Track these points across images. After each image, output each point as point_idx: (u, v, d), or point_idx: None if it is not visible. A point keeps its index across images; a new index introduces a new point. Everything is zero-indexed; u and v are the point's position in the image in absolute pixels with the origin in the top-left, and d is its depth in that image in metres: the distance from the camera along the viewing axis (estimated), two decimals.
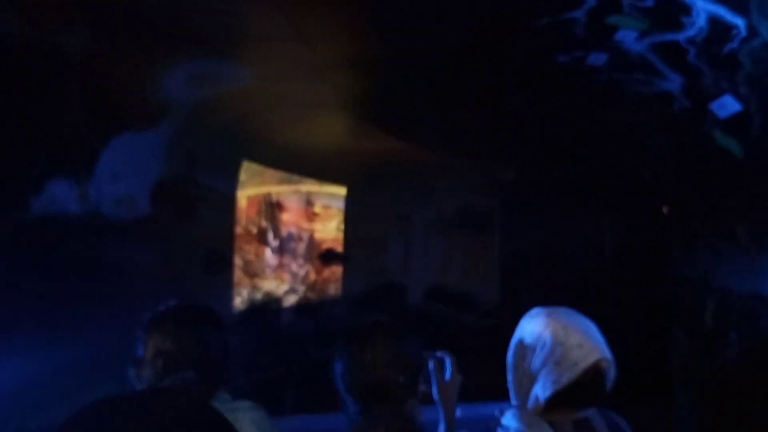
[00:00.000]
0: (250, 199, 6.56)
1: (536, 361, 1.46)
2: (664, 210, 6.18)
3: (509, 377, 1.55)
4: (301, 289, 7.62)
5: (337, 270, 8.33)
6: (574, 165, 7.66)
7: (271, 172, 6.92)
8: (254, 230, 6.69)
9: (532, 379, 1.47)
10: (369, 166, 8.04)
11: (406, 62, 4.82)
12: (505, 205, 8.73)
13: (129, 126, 4.75)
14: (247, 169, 6.46)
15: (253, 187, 6.59)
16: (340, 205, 8.36)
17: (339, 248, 8.34)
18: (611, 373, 1.49)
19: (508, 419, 1.50)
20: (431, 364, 1.74)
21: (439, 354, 1.78)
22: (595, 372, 1.46)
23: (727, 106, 3.78)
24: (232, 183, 6.23)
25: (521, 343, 1.53)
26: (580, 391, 1.45)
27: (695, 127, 4.48)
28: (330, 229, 8.23)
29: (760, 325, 4.17)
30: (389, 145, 7.24)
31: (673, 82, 4.09)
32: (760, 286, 4.29)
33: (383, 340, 1.60)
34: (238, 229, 6.38)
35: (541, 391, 1.45)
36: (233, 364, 1.78)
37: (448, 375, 1.75)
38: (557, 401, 1.46)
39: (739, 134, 4.00)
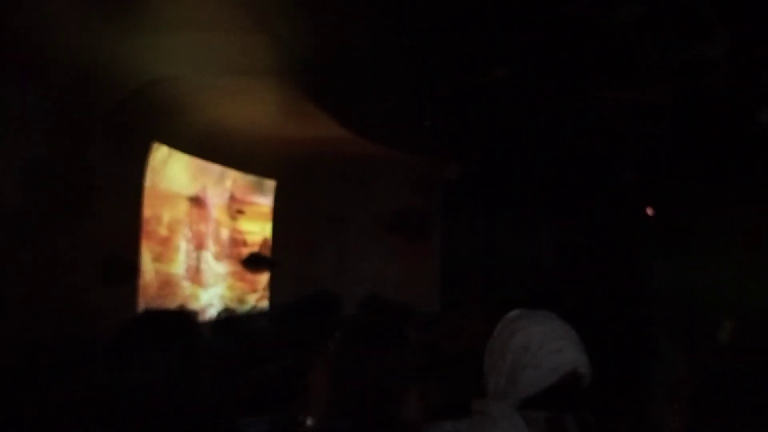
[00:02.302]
0: (160, 191, 5.21)
1: (514, 363, 1.43)
2: (648, 211, 5.39)
3: (486, 376, 1.50)
4: (223, 299, 6.31)
5: (263, 277, 7.10)
6: (536, 159, 6.85)
7: (188, 160, 5.59)
8: (164, 231, 5.33)
9: (509, 381, 1.44)
10: (303, 155, 6.86)
11: (364, 13, 3.68)
12: (449, 206, 8.15)
13: None
14: (159, 153, 5.10)
15: (165, 175, 5.25)
16: (268, 201, 7.14)
17: (266, 252, 7.13)
18: (587, 379, 1.46)
19: (482, 406, 1.46)
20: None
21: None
22: (571, 377, 1.43)
23: None
24: (139, 169, 4.88)
25: (500, 344, 1.49)
26: (555, 395, 1.41)
27: (730, 104, 3.55)
28: (257, 230, 6.98)
29: None
30: (328, 132, 6.10)
31: (719, 45, 3.16)
32: None
33: (391, 344, 1.47)
34: (145, 227, 5.02)
35: (517, 393, 1.42)
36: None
37: None
38: (532, 402, 1.42)
39: None
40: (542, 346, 1.42)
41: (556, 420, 1.43)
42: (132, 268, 4.79)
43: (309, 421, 1.48)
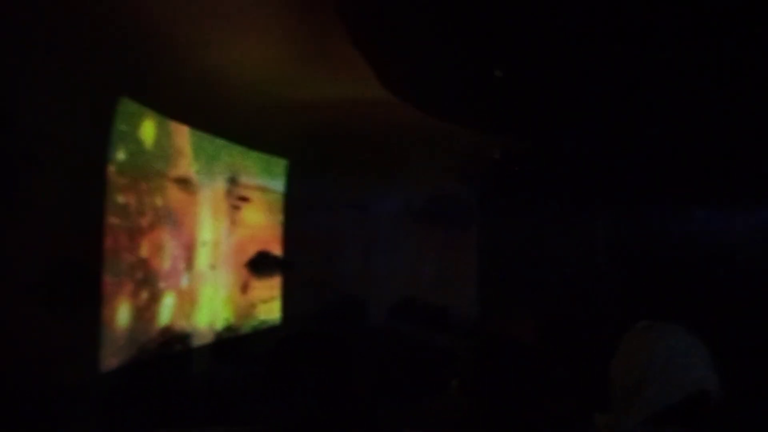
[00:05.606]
0: (132, 168, 3.69)
1: (639, 377, 1.39)
2: None
3: (611, 388, 1.44)
4: (223, 314, 4.80)
5: (274, 282, 5.61)
6: (618, 129, 5.55)
7: (172, 125, 4.06)
8: (139, 225, 3.80)
9: (634, 395, 1.39)
10: (321, 125, 5.36)
11: None
12: (488, 192, 7.13)
13: None
14: (131, 115, 3.56)
15: (139, 146, 3.72)
16: (278, 186, 5.63)
17: (276, 251, 5.64)
18: (717, 398, 1.37)
19: (606, 421, 1.43)
20: None
21: None
22: (699, 396, 1.36)
23: None
24: (99, 136, 3.35)
25: (626, 356, 1.44)
26: (682, 413, 1.35)
27: None
28: (263, 222, 5.47)
29: None
30: (353, 91, 4.68)
31: None
32: None
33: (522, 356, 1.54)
34: (113, 219, 3.49)
35: (641, 408, 1.38)
36: None
37: None
38: (660, 418, 1.36)
39: None
40: (669, 363, 1.37)
41: None
42: (90, 278, 3.27)
43: None
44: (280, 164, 5.56)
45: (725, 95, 4.47)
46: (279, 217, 5.67)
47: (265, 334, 5.24)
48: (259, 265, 5.26)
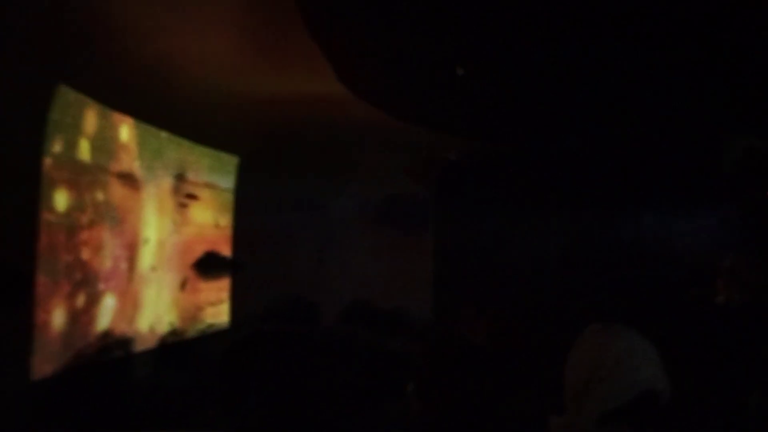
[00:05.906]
0: (69, 161, 3.47)
1: (590, 377, 1.44)
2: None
3: (564, 388, 1.49)
4: (168, 317, 4.59)
5: (222, 284, 5.42)
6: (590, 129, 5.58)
7: (114, 116, 3.85)
8: (77, 222, 3.57)
9: (585, 396, 1.45)
10: (274, 122, 5.19)
11: None
12: (443, 193, 7.07)
13: None
14: (70, 105, 3.35)
15: (76, 138, 3.50)
16: (228, 184, 5.43)
17: (225, 251, 5.45)
18: (665, 398, 1.43)
19: (560, 424, 1.47)
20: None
21: None
22: (648, 396, 1.41)
23: None
24: (34, 125, 3.13)
25: (577, 359, 1.49)
26: (632, 413, 1.41)
27: None
28: (211, 221, 5.27)
29: None
30: (308, 85, 4.53)
31: None
32: None
33: (479, 364, 1.60)
34: (49, 216, 3.27)
35: (592, 408, 1.43)
36: None
37: None
38: (611, 418, 1.41)
39: None
40: (618, 363, 1.40)
41: None
42: (23, 279, 3.04)
43: None
44: (230, 161, 5.37)
45: (675, 103, 4.54)
46: (228, 216, 5.47)
47: (212, 338, 5.04)
48: (207, 265, 5.05)
